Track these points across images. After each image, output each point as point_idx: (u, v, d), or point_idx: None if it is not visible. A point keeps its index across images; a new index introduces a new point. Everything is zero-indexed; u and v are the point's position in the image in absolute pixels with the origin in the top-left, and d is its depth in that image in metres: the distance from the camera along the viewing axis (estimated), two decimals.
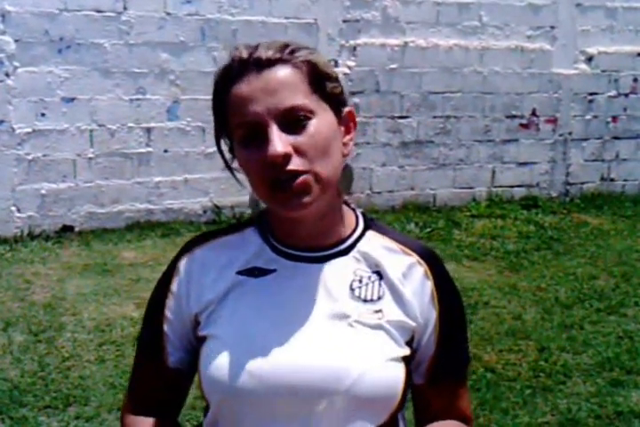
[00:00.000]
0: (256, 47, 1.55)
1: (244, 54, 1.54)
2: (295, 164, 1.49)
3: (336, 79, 1.61)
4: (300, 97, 1.51)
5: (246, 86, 1.52)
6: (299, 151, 1.50)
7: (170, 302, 1.66)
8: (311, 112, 1.52)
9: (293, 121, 1.51)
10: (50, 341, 4.97)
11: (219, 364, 1.55)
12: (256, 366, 1.53)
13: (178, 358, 1.67)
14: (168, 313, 1.66)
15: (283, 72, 1.52)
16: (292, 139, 1.50)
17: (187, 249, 1.69)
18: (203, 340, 1.62)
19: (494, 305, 5.82)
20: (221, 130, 1.61)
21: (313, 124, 1.52)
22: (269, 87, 1.50)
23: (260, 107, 1.49)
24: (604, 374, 4.72)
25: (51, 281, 6.02)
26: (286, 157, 1.48)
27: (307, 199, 1.51)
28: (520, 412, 4.28)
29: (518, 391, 4.50)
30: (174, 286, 1.66)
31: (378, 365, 1.55)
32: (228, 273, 1.63)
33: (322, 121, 1.54)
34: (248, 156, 1.53)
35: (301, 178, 1.50)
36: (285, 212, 1.55)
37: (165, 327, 1.66)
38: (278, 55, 1.53)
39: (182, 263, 1.67)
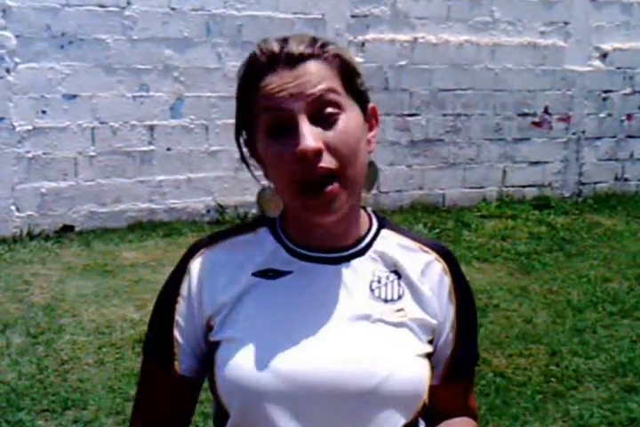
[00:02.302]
0: (286, 41, 1.54)
1: (275, 48, 1.53)
2: (326, 161, 1.48)
3: (360, 75, 1.62)
4: (332, 92, 1.51)
5: (278, 79, 1.50)
6: (329, 148, 1.49)
7: (180, 306, 1.63)
8: (341, 108, 1.52)
9: (324, 116, 1.50)
10: (48, 343, 4.96)
11: (239, 367, 1.53)
12: (279, 366, 1.51)
13: (188, 365, 1.64)
14: (178, 318, 1.63)
15: (315, 67, 1.52)
16: (322, 134, 1.49)
17: (196, 250, 1.66)
18: (216, 345, 1.59)
19: (504, 308, 5.80)
20: (244, 123, 1.59)
21: (343, 120, 1.52)
22: (302, 81, 1.50)
23: (291, 99, 1.48)
24: (617, 380, 4.70)
25: (50, 282, 6.01)
26: (318, 153, 1.47)
27: (336, 206, 1.51)
28: (530, 418, 4.27)
29: (528, 397, 4.48)
30: (184, 289, 1.63)
31: (405, 362, 1.56)
32: (242, 275, 1.61)
33: (351, 117, 1.54)
34: (275, 149, 1.51)
35: (332, 186, 1.48)
36: (313, 218, 1.54)
37: (176, 333, 1.63)
38: (310, 50, 1.53)
39: (193, 265, 1.64)
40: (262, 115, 1.52)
